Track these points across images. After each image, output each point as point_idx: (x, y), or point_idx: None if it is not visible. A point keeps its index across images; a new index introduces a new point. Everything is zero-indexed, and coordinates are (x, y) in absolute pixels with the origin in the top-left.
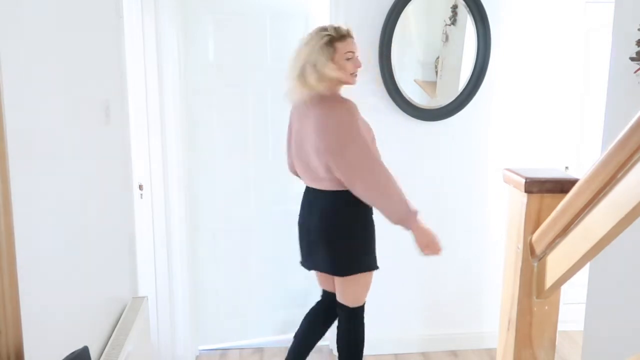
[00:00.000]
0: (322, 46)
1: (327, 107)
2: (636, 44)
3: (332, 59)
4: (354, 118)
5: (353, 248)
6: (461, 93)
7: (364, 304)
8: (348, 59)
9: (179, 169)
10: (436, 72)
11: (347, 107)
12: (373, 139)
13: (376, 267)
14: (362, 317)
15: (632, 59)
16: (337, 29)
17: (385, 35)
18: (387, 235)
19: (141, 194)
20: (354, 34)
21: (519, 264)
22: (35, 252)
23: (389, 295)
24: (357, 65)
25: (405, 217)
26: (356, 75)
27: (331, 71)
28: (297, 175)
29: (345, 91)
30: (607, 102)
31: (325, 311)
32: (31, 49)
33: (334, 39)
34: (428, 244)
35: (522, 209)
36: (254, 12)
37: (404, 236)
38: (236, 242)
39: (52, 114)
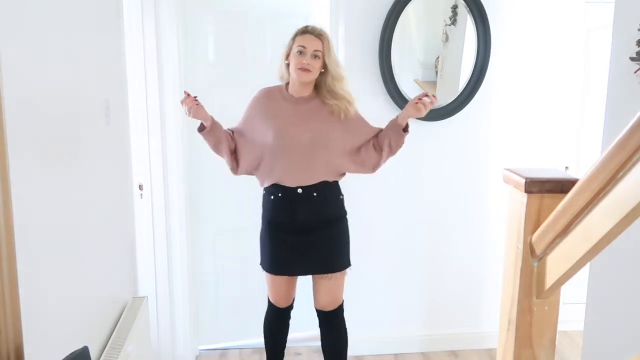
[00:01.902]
0: (288, 41)
1: None
2: (636, 44)
3: (288, 54)
4: (249, 104)
5: (260, 247)
6: (461, 93)
7: (270, 302)
8: (299, 52)
9: (179, 169)
10: (436, 72)
11: (254, 96)
12: (270, 126)
13: (266, 269)
14: (267, 311)
15: (632, 59)
16: (305, 26)
17: (385, 35)
18: (387, 236)
19: (141, 194)
20: (325, 37)
21: (519, 264)
22: (35, 252)
23: (389, 295)
24: (302, 61)
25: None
26: (304, 72)
27: (280, 65)
28: None
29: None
30: (607, 102)
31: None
32: (31, 49)
33: (297, 34)
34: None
35: (522, 209)
36: (254, 12)
37: (404, 237)
38: (236, 242)
39: (52, 114)
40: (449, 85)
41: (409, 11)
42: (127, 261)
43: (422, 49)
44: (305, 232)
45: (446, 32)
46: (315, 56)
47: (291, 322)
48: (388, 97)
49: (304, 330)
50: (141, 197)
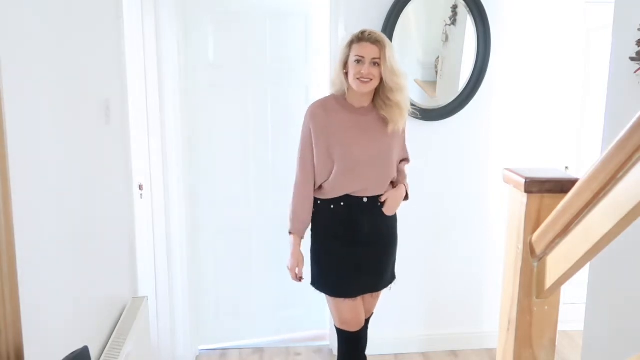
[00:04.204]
0: (343, 48)
1: None
2: (636, 44)
3: (345, 62)
4: (305, 124)
5: (312, 265)
6: (461, 93)
7: (341, 330)
8: (357, 61)
9: (179, 169)
10: (436, 72)
11: (307, 112)
12: (332, 138)
13: (334, 295)
14: (340, 343)
15: (632, 59)
16: (361, 32)
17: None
18: None
19: (141, 194)
20: (382, 43)
21: (519, 264)
22: (35, 252)
23: (389, 295)
24: (361, 71)
25: (289, 227)
26: (363, 82)
27: (336, 75)
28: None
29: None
30: (607, 102)
31: None
32: (31, 49)
33: (353, 41)
34: (288, 266)
35: (522, 209)
36: (254, 12)
37: (405, 236)
38: (236, 242)
39: (52, 114)
40: (449, 85)
41: (409, 11)
42: (127, 261)
43: (422, 49)
44: (366, 245)
45: (446, 32)
46: (375, 64)
47: (290, 322)
48: None
49: (304, 330)
50: (141, 197)
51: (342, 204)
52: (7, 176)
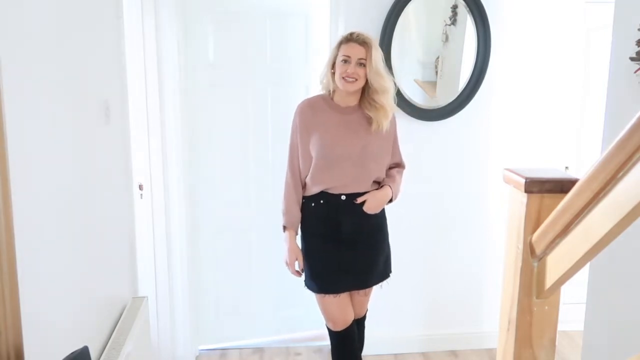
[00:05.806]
0: (333, 49)
1: None
2: (636, 44)
3: (334, 63)
4: (293, 120)
5: (304, 263)
6: (461, 93)
7: (331, 331)
8: (344, 61)
9: (179, 169)
10: (436, 72)
11: (296, 109)
12: (320, 137)
13: (317, 291)
14: (332, 342)
15: (632, 59)
16: (350, 33)
17: (385, 35)
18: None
19: (141, 194)
20: (369, 44)
21: (519, 264)
22: (35, 252)
23: (389, 295)
24: (347, 70)
25: (283, 221)
26: (348, 82)
27: (323, 75)
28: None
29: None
30: (607, 102)
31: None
32: (31, 49)
33: (342, 42)
34: (286, 261)
35: (522, 209)
36: (254, 12)
37: (404, 236)
38: (236, 242)
39: (52, 114)
40: (449, 85)
41: (409, 11)
42: (127, 261)
43: (422, 49)
44: (350, 243)
45: (446, 32)
46: (361, 64)
47: (290, 322)
48: None
49: (304, 330)
50: (141, 197)
51: (321, 201)
52: (7, 176)
